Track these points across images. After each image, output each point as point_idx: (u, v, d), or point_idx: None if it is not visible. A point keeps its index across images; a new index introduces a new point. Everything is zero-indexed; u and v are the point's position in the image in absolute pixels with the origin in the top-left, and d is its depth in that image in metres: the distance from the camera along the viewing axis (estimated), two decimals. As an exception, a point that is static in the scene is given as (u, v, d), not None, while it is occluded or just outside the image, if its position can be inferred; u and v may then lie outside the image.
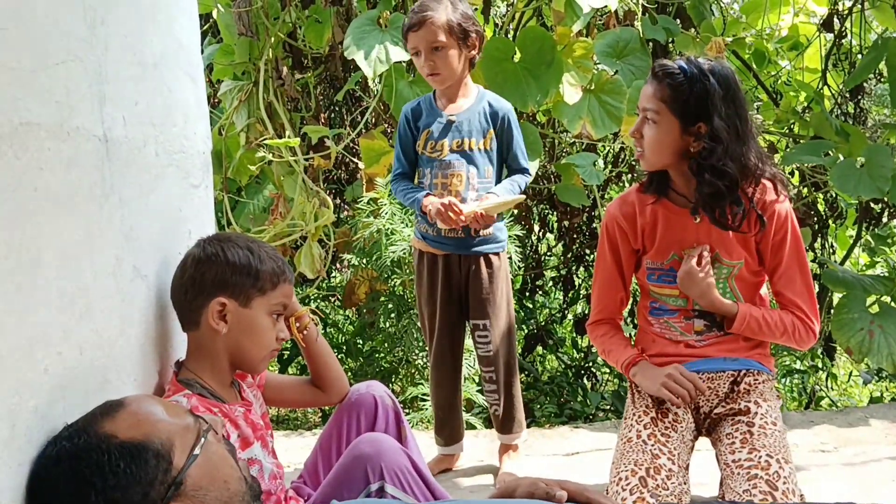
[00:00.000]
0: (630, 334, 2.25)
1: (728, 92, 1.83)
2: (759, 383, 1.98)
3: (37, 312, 1.19)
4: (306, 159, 3.42)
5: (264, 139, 3.29)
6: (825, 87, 4.20)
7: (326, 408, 4.09)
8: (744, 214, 1.88)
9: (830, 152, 3.46)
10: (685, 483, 1.84)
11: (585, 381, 4.58)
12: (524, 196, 2.52)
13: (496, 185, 2.55)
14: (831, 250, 4.80)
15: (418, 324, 3.67)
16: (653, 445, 1.86)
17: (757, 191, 1.89)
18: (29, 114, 1.18)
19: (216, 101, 3.92)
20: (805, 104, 4.27)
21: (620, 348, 2.06)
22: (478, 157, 2.54)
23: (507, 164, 2.62)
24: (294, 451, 2.95)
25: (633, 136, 1.93)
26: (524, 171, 2.62)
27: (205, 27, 3.94)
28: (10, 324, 1.11)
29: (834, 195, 4.49)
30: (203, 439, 1.25)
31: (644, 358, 2.01)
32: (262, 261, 1.64)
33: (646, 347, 2.08)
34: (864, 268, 5.27)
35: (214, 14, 3.78)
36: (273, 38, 3.52)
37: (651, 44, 3.71)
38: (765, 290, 2.06)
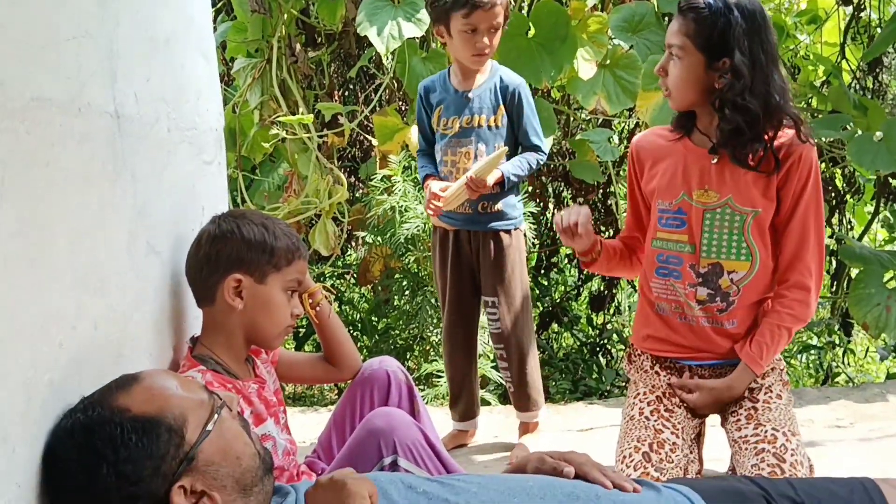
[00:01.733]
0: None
1: (752, 25, 1.76)
2: None
3: (51, 287, 1.19)
4: (320, 136, 3.41)
5: (278, 117, 3.29)
6: (843, 62, 4.14)
7: (343, 385, 4.11)
8: (764, 153, 1.82)
9: (848, 126, 3.42)
10: (692, 453, 1.84)
11: (600, 357, 4.57)
12: (506, 149, 2.49)
13: (506, 163, 2.53)
14: (849, 226, 4.76)
15: (433, 300, 3.67)
16: (655, 421, 1.85)
17: (780, 133, 1.83)
18: (40, 89, 1.18)
19: (230, 78, 3.92)
20: (823, 78, 4.21)
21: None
22: (487, 133, 2.53)
23: (518, 142, 2.59)
24: (310, 427, 2.97)
25: (659, 73, 1.88)
26: (536, 148, 2.59)
27: (218, 5, 3.93)
28: (25, 298, 1.12)
29: (852, 170, 4.45)
30: (217, 415, 1.25)
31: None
32: (276, 237, 1.65)
33: (649, 331, 2.02)
34: (882, 243, 5.22)
35: (227, -9, 3.77)
36: (286, 15, 3.51)
37: (667, 18, 3.67)
38: None
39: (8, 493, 1.07)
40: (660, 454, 1.76)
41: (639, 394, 1.96)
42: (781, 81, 1.82)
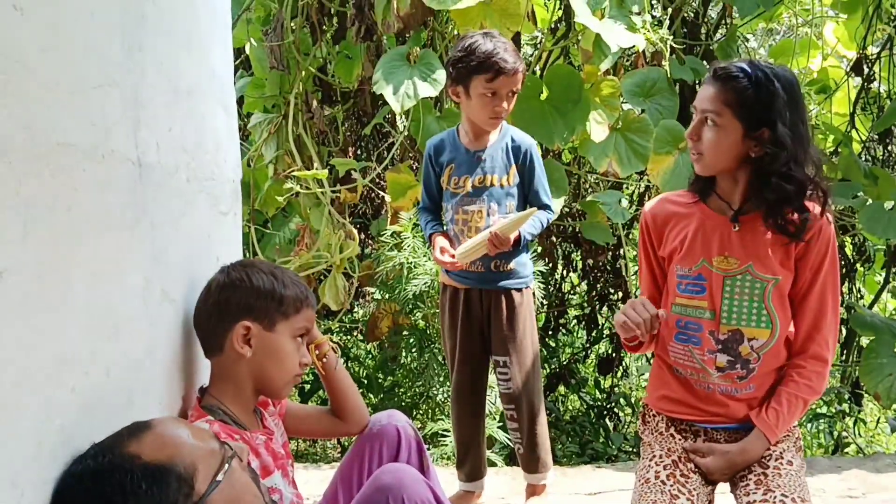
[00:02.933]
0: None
1: (792, 97, 1.78)
2: None
3: (66, 331, 1.19)
4: (333, 192, 3.44)
5: (292, 171, 3.33)
6: (853, 131, 4.19)
7: (345, 442, 4.07)
8: (805, 223, 1.81)
9: (859, 195, 3.44)
10: None
11: (608, 421, 4.53)
12: (533, 209, 2.50)
13: None
14: (859, 295, 4.75)
15: (439, 358, 3.65)
16: (672, 486, 1.82)
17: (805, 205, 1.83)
18: (65, 135, 1.20)
19: (246, 133, 3.97)
20: (833, 147, 4.25)
21: None
22: (500, 193, 2.54)
23: (528, 201, 2.60)
24: (313, 483, 2.93)
25: (690, 138, 1.86)
26: (546, 207, 2.60)
27: (237, 61, 4.01)
28: (40, 341, 1.12)
29: (862, 239, 4.46)
30: (227, 465, 1.24)
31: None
32: (285, 286, 1.65)
33: (665, 392, 2.00)
34: (892, 313, 5.20)
35: (247, 48, 3.85)
36: (304, 73, 3.58)
37: (678, 84, 3.72)
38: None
39: (14, 538, 1.06)
40: None
41: (654, 456, 1.93)
42: (816, 154, 1.83)
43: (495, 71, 2.40)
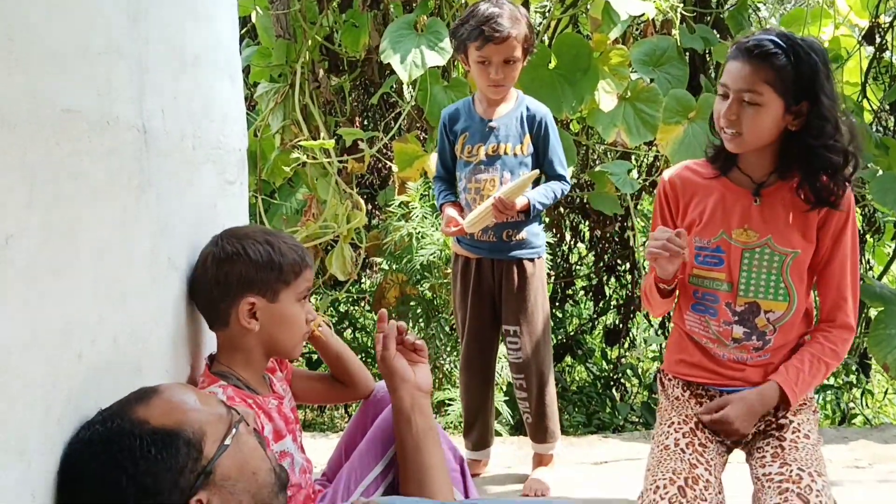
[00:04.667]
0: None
1: (827, 67, 1.76)
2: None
3: (72, 299, 1.19)
4: (340, 162, 3.43)
5: (299, 141, 3.31)
6: (865, 101, 4.14)
7: (351, 411, 4.09)
8: (843, 193, 1.80)
9: (870, 165, 3.41)
10: (720, 494, 1.80)
11: (614, 392, 4.54)
12: (537, 172, 2.49)
13: (531, 190, 2.53)
14: (868, 266, 4.73)
15: (446, 328, 3.66)
16: (691, 455, 1.82)
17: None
18: (71, 101, 1.19)
19: (252, 103, 3.95)
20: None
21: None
22: (513, 162, 2.53)
23: (543, 171, 2.59)
24: (321, 451, 2.93)
25: (729, 119, 1.80)
26: (561, 177, 2.59)
27: (243, 30, 3.98)
28: (47, 308, 1.12)
29: (872, 210, 4.43)
30: (234, 430, 1.25)
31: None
32: (282, 253, 1.63)
33: (683, 356, 2.00)
34: (901, 284, 5.17)
35: (253, 17, 3.82)
36: (310, 42, 3.55)
37: (688, 53, 3.69)
38: None
39: (23, 503, 1.06)
40: (694, 490, 1.72)
41: (673, 423, 1.92)
42: (849, 119, 1.82)
43: (483, 38, 2.39)
